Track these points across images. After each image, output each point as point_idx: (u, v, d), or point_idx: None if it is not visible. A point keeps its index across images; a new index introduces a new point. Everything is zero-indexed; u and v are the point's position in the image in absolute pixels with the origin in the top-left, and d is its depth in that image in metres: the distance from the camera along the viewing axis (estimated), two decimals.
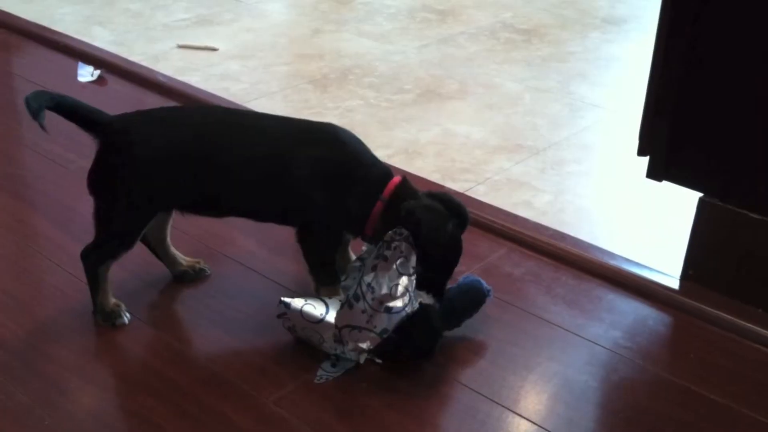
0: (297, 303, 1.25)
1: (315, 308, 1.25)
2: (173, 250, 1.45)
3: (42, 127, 1.25)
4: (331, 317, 1.24)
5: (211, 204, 1.34)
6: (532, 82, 2.33)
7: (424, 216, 1.23)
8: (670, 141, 1.41)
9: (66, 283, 1.44)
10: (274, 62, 2.41)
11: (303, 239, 1.33)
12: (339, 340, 1.24)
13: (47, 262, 1.51)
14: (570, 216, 1.68)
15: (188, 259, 1.47)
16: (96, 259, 1.32)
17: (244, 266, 1.50)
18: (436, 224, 1.24)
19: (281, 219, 1.35)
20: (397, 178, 1.30)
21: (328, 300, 1.27)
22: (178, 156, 1.27)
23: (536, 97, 2.24)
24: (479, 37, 2.66)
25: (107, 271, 1.33)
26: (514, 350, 1.31)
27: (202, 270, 1.46)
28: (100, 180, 1.29)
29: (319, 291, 1.33)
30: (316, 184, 1.28)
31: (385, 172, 1.31)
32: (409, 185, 1.30)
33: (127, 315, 1.35)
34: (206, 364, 1.27)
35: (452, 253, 1.28)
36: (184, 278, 1.45)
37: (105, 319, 1.34)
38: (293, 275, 1.47)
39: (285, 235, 1.37)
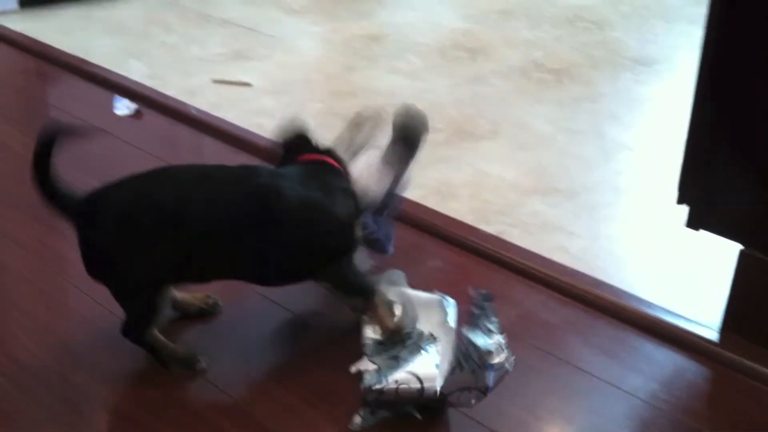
0: (389, 384, 1.22)
1: (409, 385, 1.22)
2: (180, 294, 1.43)
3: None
4: (429, 383, 1.21)
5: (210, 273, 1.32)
6: (564, 122, 2.34)
7: None
8: (710, 191, 1.41)
9: (90, 309, 1.45)
10: (308, 99, 2.43)
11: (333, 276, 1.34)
12: (444, 398, 1.22)
13: (73, 288, 1.52)
14: (605, 262, 1.68)
15: (197, 296, 1.45)
16: (138, 332, 1.31)
17: (261, 295, 1.50)
18: None
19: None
20: (329, 159, 1.40)
21: (411, 367, 1.24)
22: (158, 230, 1.24)
23: (568, 138, 2.25)
24: (510, 76, 2.67)
25: (153, 331, 1.32)
26: (554, 401, 1.30)
27: (216, 304, 1.45)
28: (98, 265, 1.27)
29: (370, 308, 1.33)
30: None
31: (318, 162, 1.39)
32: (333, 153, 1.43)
33: (204, 360, 1.33)
34: (234, 402, 1.27)
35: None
36: (203, 314, 1.44)
37: (184, 367, 1.32)
38: (310, 303, 1.48)
39: None
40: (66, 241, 1.66)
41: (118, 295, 1.30)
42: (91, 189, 1.29)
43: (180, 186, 1.28)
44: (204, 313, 1.45)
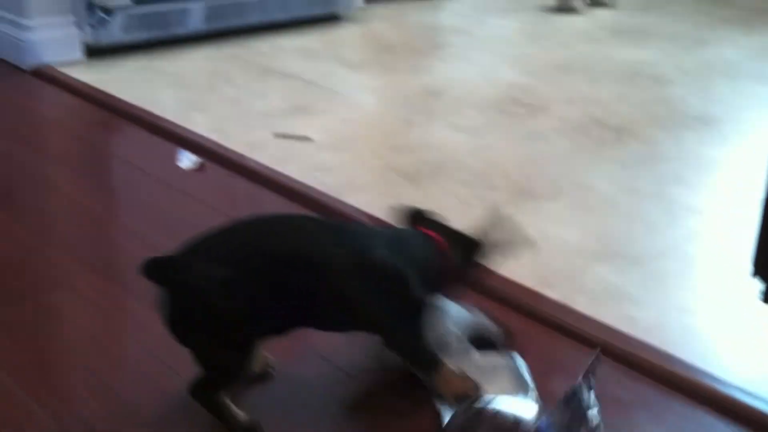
0: (487, 409, 1.23)
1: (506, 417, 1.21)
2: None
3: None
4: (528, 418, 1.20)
5: (291, 323, 1.33)
6: (627, 183, 2.30)
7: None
8: None
9: (154, 368, 1.45)
10: (368, 154, 2.44)
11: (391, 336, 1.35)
12: None
13: (144, 351, 1.52)
14: (676, 334, 1.63)
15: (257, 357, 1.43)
16: (212, 392, 1.30)
17: (322, 358, 1.49)
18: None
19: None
20: (433, 234, 1.42)
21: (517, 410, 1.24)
22: (253, 282, 1.25)
23: (632, 199, 2.21)
24: (570, 134, 2.65)
25: (223, 396, 1.31)
26: None
27: (272, 365, 1.44)
28: (188, 327, 1.27)
29: (432, 377, 1.33)
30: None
31: (416, 233, 1.43)
32: (438, 224, 1.47)
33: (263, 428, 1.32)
34: None
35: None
36: (263, 377, 1.43)
37: None
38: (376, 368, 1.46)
39: None
40: (130, 295, 1.68)
41: (206, 352, 1.28)
42: (178, 247, 1.29)
43: (276, 237, 1.31)
44: (263, 376, 1.44)
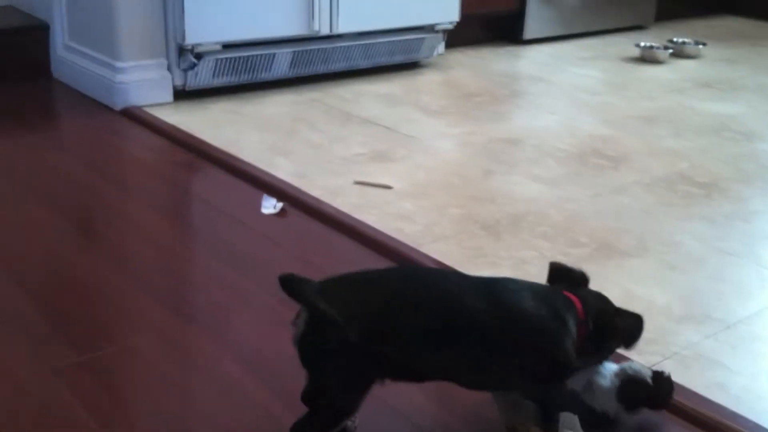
0: None
1: None
2: None
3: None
4: None
5: (427, 371, 1.33)
6: (716, 242, 2.23)
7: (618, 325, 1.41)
8: None
9: (235, 422, 1.43)
10: (447, 203, 2.42)
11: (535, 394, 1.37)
12: None
13: (222, 399, 1.51)
14: None
15: None
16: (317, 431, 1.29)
17: (400, 413, 1.46)
18: (626, 327, 1.44)
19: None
20: (572, 296, 1.38)
21: None
22: (396, 322, 1.26)
23: (721, 260, 2.14)
24: (655, 189, 2.59)
25: None
26: None
27: (355, 418, 1.42)
28: (318, 350, 1.26)
29: None
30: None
31: (559, 292, 1.40)
32: (581, 294, 1.41)
33: None
34: None
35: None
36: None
37: None
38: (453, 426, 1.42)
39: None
40: (206, 337, 1.69)
41: (324, 385, 1.27)
42: (327, 277, 1.31)
43: (419, 281, 1.33)
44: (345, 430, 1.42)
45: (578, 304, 1.37)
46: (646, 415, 1.49)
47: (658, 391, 1.45)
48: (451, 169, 2.71)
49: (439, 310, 1.29)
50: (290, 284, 1.24)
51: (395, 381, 1.32)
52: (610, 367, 1.47)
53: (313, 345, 1.26)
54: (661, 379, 1.47)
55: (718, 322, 1.84)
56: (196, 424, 1.46)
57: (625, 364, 1.48)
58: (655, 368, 1.65)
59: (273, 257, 2.07)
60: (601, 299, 1.46)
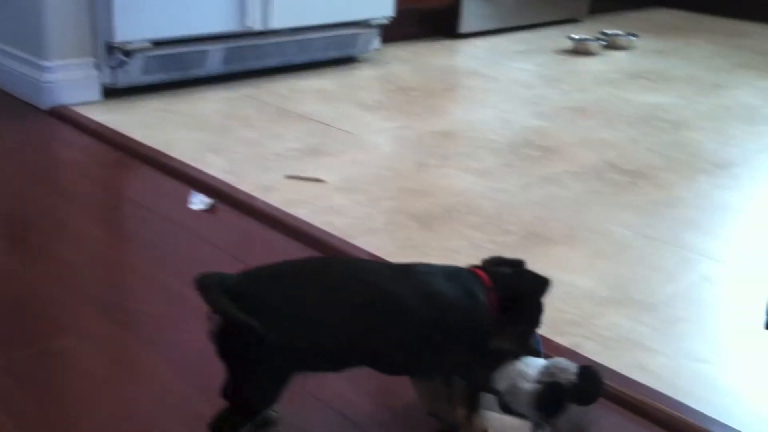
0: None
1: None
2: None
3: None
4: None
5: (347, 361, 1.33)
6: (641, 228, 2.28)
7: (527, 288, 1.42)
8: None
9: (174, 427, 1.43)
10: (380, 197, 2.44)
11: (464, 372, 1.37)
12: None
13: (156, 403, 1.50)
14: (687, 382, 1.60)
15: None
16: (234, 426, 1.28)
17: (325, 404, 1.47)
18: (536, 291, 1.43)
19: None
20: (477, 270, 1.40)
21: None
22: (315, 315, 1.26)
23: (646, 245, 2.19)
24: (584, 177, 2.64)
25: None
26: None
27: (278, 408, 1.43)
28: (236, 344, 1.25)
29: (470, 418, 1.35)
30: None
31: (465, 269, 1.42)
32: (488, 268, 1.43)
33: None
34: None
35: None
36: (267, 423, 1.41)
37: None
38: (378, 415, 1.43)
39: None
40: (138, 340, 1.67)
41: (246, 380, 1.26)
42: (247, 269, 1.31)
43: (336, 272, 1.33)
44: (268, 423, 1.42)
45: (483, 275, 1.39)
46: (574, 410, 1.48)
47: (584, 387, 1.42)
48: (384, 163, 2.72)
49: (358, 300, 1.29)
50: (202, 290, 1.23)
51: (314, 372, 1.33)
52: (536, 365, 1.44)
53: (230, 340, 1.26)
54: (587, 375, 1.44)
55: (641, 304, 1.88)
56: (129, 428, 1.45)
57: (552, 362, 1.45)
58: (576, 349, 1.69)
59: (204, 255, 2.06)
60: (524, 276, 1.46)
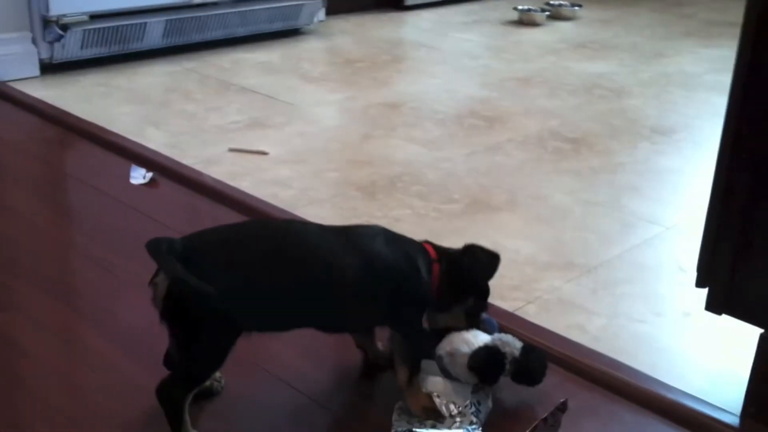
0: None
1: None
2: None
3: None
4: None
5: (292, 321, 1.34)
6: (582, 194, 2.31)
7: (472, 261, 1.42)
8: (731, 273, 1.37)
9: (118, 403, 1.41)
10: (324, 168, 2.43)
11: (402, 336, 1.37)
12: None
13: (99, 378, 1.49)
14: (625, 342, 1.63)
15: None
16: (181, 392, 1.28)
17: (285, 383, 1.47)
18: (483, 265, 1.43)
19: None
20: (425, 243, 1.42)
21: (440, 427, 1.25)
22: (257, 276, 1.26)
23: (586, 210, 2.22)
24: (527, 146, 2.66)
25: (188, 400, 1.29)
26: None
27: (221, 378, 1.43)
28: (181, 309, 1.25)
29: (411, 381, 1.36)
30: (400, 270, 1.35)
31: (413, 240, 1.43)
32: (436, 244, 1.43)
33: None
34: None
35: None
36: (211, 393, 1.41)
37: None
38: (324, 384, 1.44)
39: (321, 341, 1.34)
40: (95, 331, 1.65)
41: (192, 344, 1.27)
42: (189, 234, 1.31)
43: (276, 236, 1.33)
44: (212, 392, 1.42)
45: (429, 248, 1.41)
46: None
47: (526, 364, 1.40)
48: (329, 135, 2.71)
49: (301, 262, 1.30)
50: (154, 255, 1.23)
51: (259, 333, 1.33)
52: (482, 338, 1.43)
53: (173, 305, 1.25)
54: (531, 354, 1.41)
55: (580, 268, 1.91)
56: (74, 412, 1.43)
57: (498, 336, 1.45)
58: (517, 313, 1.71)
59: (144, 229, 2.03)
60: (470, 251, 1.44)
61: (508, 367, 1.40)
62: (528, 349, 1.42)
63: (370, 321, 1.42)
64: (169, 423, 1.29)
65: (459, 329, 1.43)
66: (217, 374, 1.44)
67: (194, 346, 1.28)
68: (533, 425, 1.19)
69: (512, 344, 1.42)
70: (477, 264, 1.43)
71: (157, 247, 1.23)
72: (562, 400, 1.21)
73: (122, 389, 1.44)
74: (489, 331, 1.47)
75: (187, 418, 1.30)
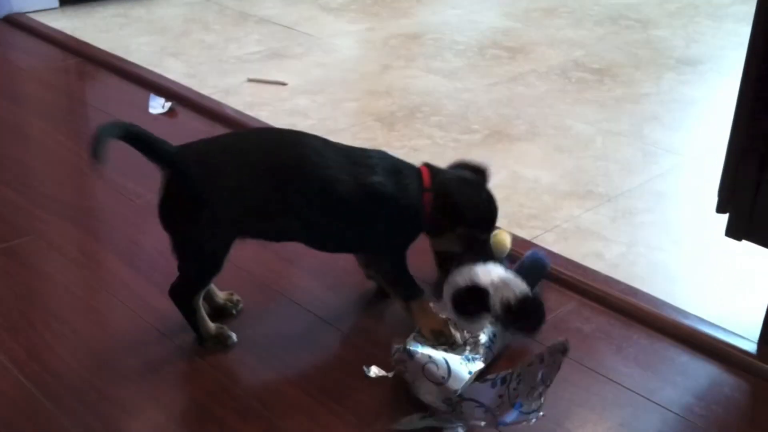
0: (421, 358, 1.22)
1: (437, 369, 1.21)
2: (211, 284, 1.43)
3: (97, 159, 1.22)
4: (453, 382, 1.21)
5: (281, 231, 1.35)
6: (605, 124, 2.28)
7: (462, 191, 1.36)
8: (752, 200, 1.35)
9: (129, 321, 1.44)
10: (343, 98, 2.41)
11: (379, 260, 1.37)
12: (451, 404, 1.20)
13: (114, 299, 1.51)
14: (643, 270, 1.62)
15: (223, 293, 1.46)
16: (188, 293, 1.33)
17: (299, 306, 1.48)
18: (473, 196, 1.37)
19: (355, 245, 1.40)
20: (423, 168, 1.38)
21: (448, 358, 1.24)
22: (250, 182, 1.27)
23: (608, 140, 2.19)
24: (550, 76, 2.61)
25: (200, 299, 1.34)
26: (583, 413, 1.26)
27: (238, 301, 1.46)
28: (177, 212, 1.28)
29: (410, 306, 1.36)
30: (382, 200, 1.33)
31: (412, 165, 1.39)
32: (435, 168, 1.39)
33: (233, 333, 1.37)
34: (261, 412, 1.25)
35: (490, 212, 1.41)
36: (224, 313, 1.44)
37: (216, 344, 1.36)
38: (336, 306, 1.45)
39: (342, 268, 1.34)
40: (110, 252, 1.67)
41: (188, 245, 1.30)
42: (187, 142, 1.33)
43: (275, 145, 1.33)
44: (225, 311, 1.45)
45: (425, 173, 1.37)
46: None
47: (520, 313, 1.30)
48: (348, 66, 2.68)
49: (294, 173, 1.29)
50: (148, 145, 1.26)
51: (255, 239, 1.35)
52: (494, 273, 1.33)
53: (174, 208, 1.28)
54: (528, 301, 1.31)
55: (600, 197, 1.89)
56: (94, 337, 1.45)
57: (508, 277, 1.34)
58: (534, 241, 1.70)
59: None
60: (464, 180, 1.40)
61: (498, 311, 1.30)
62: (526, 297, 1.31)
63: (355, 244, 1.40)
64: (188, 323, 1.35)
65: (455, 253, 1.38)
66: (235, 297, 1.46)
67: (189, 249, 1.31)
68: (528, 360, 1.18)
69: (514, 290, 1.31)
70: (463, 194, 1.37)
71: (149, 141, 1.28)
72: (561, 341, 1.16)
73: (139, 311, 1.46)
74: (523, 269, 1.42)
75: (203, 314, 1.35)
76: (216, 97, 2.34)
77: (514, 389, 1.18)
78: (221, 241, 1.31)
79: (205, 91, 2.37)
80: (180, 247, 1.31)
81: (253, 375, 1.34)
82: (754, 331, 1.41)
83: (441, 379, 1.21)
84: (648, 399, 1.29)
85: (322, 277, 1.57)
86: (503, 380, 1.19)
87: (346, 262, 1.54)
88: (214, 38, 2.83)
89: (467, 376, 1.23)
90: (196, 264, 1.33)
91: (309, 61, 2.68)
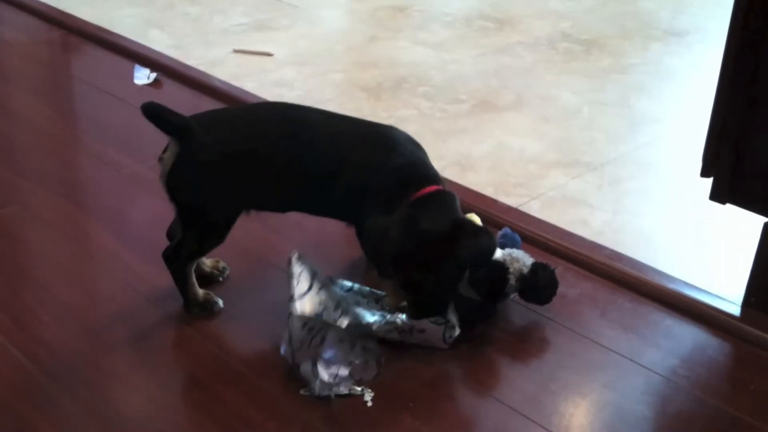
0: (298, 269, 1.28)
1: (298, 284, 1.26)
2: None
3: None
4: (301, 303, 1.25)
5: (279, 201, 1.37)
6: (591, 94, 2.28)
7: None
8: (736, 162, 1.36)
9: (118, 291, 1.44)
10: (330, 69, 2.40)
11: (361, 233, 1.37)
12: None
13: (101, 269, 1.51)
14: (627, 236, 1.63)
15: (209, 260, 1.46)
16: (185, 258, 1.34)
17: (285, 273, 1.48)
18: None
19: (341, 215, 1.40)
20: (434, 187, 1.30)
21: (331, 296, 1.28)
22: (252, 154, 1.30)
23: (595, 110, 2.19)
24: (537, 47, 2.61)
25: (193, 267, 1.36)
26: (567, 375, 1.27)
27: (224, 268, 1.46)
28: (186, 182, 1.29)
29: (382, 282, 1.37)
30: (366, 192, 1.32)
31: (428, 176, 1.33)
32: (442, 198, 1.30)
33: (219, 299, 1.38)
34: (246, 376, 1.26)
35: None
36: (210, 280, 1.44)
37: (202, 309, 1.37)
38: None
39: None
40: (97, 223, 1.66)
41: (192, 215, 1.32)
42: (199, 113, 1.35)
43: (283, 117, 1.35)
44: (212, 278, 1.45)
45: (425, 191, 1.30)
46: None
47: (534, 281, 1.34)
48: (335, 37, 2.67)
49: (292, 152, 1.31)
50: (158, 113, 1.27)
51: (258, 211, 1.37)
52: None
53: (181, 176, 1.29)
54: (540, 271, 1.35)
55: (586, 166, 1.90)
56: (83, 306, 1.45)
57: (509, 251, 1.38)
58: (521, 208, 1.71)
59: (151, 130, 2.02)
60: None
61: (513, 283, 1.34)
62: (538, 266, 1.35)
63: (349, 213, 1.39)
64: (178, 287, 1.36)
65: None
66: (221, 264, 1.46)
67: (196, 219, 1.32)
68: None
69: (522, 260, 1.35)
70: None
71: (159, 109, 1.29)
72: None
73: (124, 278, 1.46)
74: (505, 246, 1.42)
75: (193, 281, 1.36)
76: (202, 68, 2.33)
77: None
78: (228, 212, 1.33)
79: (191, 62, 2.36)
80: (186, 216, 1.32)
81: (239, 341, 1.34)
82: (738, 295, 1.42)
83: (291, 291, 1.25)
84: (632, 361, 1.30)
85: (310, 247, 1.56)
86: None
87: (333, 231, 1.54)
88: (199, 10, 2.81)
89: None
90: (201, 234, 1.33)
91: (295, 32, 2.66)
